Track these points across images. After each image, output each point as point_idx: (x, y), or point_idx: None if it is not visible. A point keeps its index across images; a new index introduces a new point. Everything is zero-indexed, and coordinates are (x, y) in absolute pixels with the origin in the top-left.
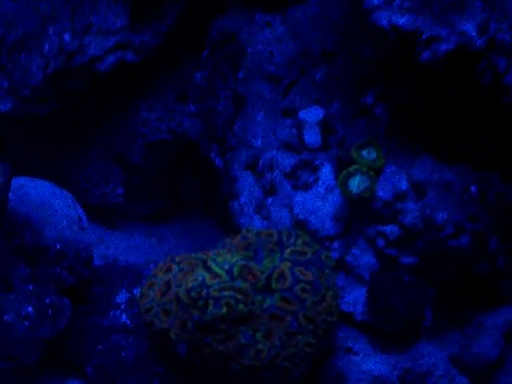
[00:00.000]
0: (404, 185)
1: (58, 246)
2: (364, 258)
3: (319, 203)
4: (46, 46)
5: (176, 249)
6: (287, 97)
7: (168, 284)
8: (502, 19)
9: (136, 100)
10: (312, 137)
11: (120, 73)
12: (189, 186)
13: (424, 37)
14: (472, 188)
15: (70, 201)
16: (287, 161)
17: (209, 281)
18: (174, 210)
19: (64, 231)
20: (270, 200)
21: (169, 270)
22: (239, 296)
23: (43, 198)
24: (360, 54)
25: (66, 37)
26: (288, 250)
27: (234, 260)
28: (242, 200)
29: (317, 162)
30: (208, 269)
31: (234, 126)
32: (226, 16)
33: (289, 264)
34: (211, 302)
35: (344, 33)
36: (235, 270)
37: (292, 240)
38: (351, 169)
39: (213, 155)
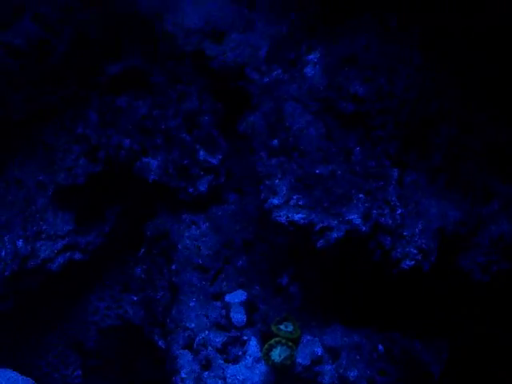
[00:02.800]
0: (319, 351)
1: None
2: None
3: (248, 373)
4: (3, 252)
5: None
6: (215, 283)
7: None
8: (383, 206)
9: (86, 292)
10: (238, 316)
11: (70, 270)
12: (142, 364)
13: (317, 228)
14: (379, 347)
15: None
16: (218, 339)
17: None
18: None
19: None
20: (206, 374)
21: None
22: None
23: None
24: (274, 241)
25: (19, 243)
26: None
27: None
28: (183, 375)
29: (244, 338)
30: None
31: (172, 311)
32: (157, 217)
33: None
34: None
35: (260, 224)
36: None
37: None
38: (272, 341)
39: (156, 338)
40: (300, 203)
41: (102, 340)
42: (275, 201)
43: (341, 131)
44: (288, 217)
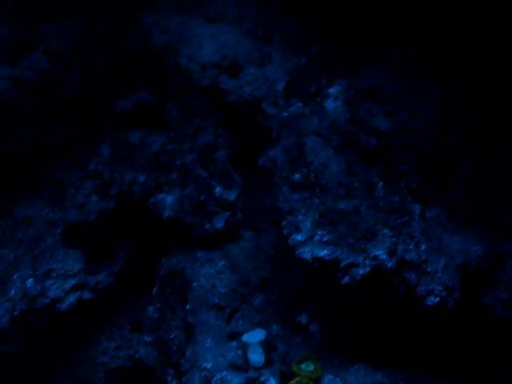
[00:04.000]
0: None
1: None
2: None
3: None
4: (12, 291)
5: None
6: (231, 322)
7: None
8: (408, 241)
9: (95, 332)
10: (256, 356)
11: (79, 309)
12: None
13: (343, 264)
14: None
15: None
16: (236, 380)
17: None
18: None
19: None
20: None
21: None
22: None
23: None
24: (292, 279)
25: (29, 282)
26: None
27: None
28: None
29: (262, 378)
30: None
31: (186, 352)
32: (171, 255)
33: None
34: None
35: (276, 262)
36: None
37: None
38: (293, 381)
39: (169, 379)
40: (325, 239)
41: (110, 382)
42: (299, 237)
43: (362, 166)
44: (313, 253)
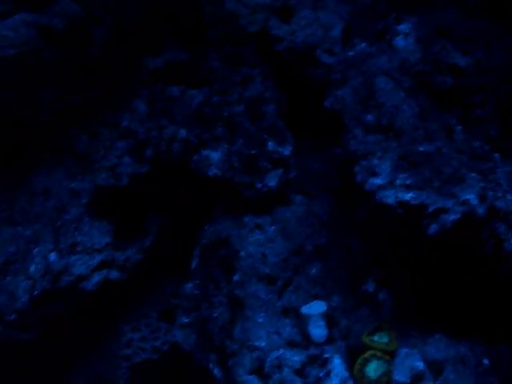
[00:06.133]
0: (420, 365)
1: None
2: None
3: None
4: (32, 268)
5: None
6: (284, 295)
7: None
8: (496, 188)
9: (118, 320)
10: (317, 330)
11: (104, 292)
12: None
13: (430, 210)
14: (484, 361)
15: None
16: (295, 358)
17: None
18: None
19: None
20: None
21: None
22: None
23: None
24: (351, 245)
25: (52, 256)
26: None
27: None
28: None
29: (326, 356)
30: None
31: (234, 330)
32: (214, 222)
33: None
34: None
35: (332, 228)
36: None
37: None
38: (367, 355)
39: (211, 365)
40: (407, 183)
41: (133, 379)
42: (378, 181)
43: (437, 108)
44: (397, 197)
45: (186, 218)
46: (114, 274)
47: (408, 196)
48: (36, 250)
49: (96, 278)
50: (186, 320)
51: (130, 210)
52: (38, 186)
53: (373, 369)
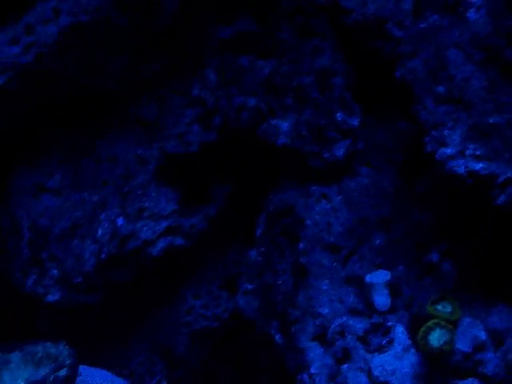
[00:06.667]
0: (483, 335)
1: None
2: None
3: (398, 363)
4: (99, 232)
5: None
6: (348, 264)
7: None
8: None
9: (180, 288)
10: (381, 299)
11: (168, 258)
12: (225, 378)
13: (500, 180)
14: None
15: None
16: (359, 325)
17: None
18: None
19: None
20: (345, 366)
21: None
22: None
23: None
24: (415, 216)
25: (119, 221)
26: None
27: None
28: (313, 370)
29: (389, 324)
30: None
31: (297, 297)
32: (280, 191)
33: None
34: None
35: (396, 199)
36: None
37: None
38: (430, 323)
39: (273, 332)
40: (477, 153)
41: (192, 345)
42: (448, 151)
43: (507, 82)
44: (467, 167)
45: (252, 187)
46: (179, 241)
47: (478, 166)
48: (103, 214)
49: (161, 243)
50: (249, 287)
51: (197, 178)
52: (104, 153)
53: (436, 337)
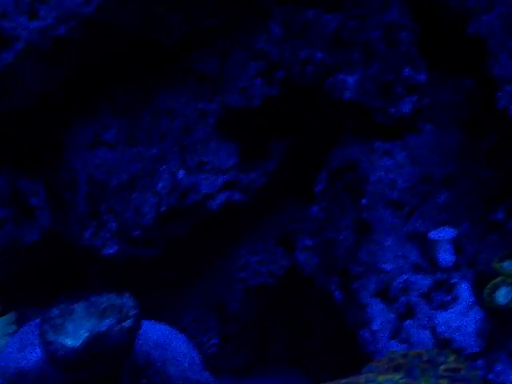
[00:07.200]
0: None
1: None
2: (508, 375)
3: (462, 320)
4: (159, 185)
5: None
6: (411, 221)
7: None
8: None
9: (235, 244)
10: (445, 255)
11: (225, 213)
12: (277, 335)
13: None
14: None
15: (186, 342)
16: (422, 282)
17: None
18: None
19: (187, 371)
20: (408, 323)
21: None
22: None
23: (161, 338)
24: (481, 174)
25: (180, 174)
26: (442, 367)
27: (396, 378)
28: (375, 327)
29: (453, 281)
30: None
31: (359, 253)
32: (343, 146)
33: (446, 381)
34: None
35: (460, 157)
36: None
37: (443, 358)
38: (497, 280)
39: (332, 288)
40: None
41: (246, 302)
42: None
43: None
44: None
45: (312, 143)
46: (237, 196)
47: None
48: (164, 167)
49: (220, 197)
50: (309, 243)
51: (257, 133)
52: (162, 107)
53: (502, 294)
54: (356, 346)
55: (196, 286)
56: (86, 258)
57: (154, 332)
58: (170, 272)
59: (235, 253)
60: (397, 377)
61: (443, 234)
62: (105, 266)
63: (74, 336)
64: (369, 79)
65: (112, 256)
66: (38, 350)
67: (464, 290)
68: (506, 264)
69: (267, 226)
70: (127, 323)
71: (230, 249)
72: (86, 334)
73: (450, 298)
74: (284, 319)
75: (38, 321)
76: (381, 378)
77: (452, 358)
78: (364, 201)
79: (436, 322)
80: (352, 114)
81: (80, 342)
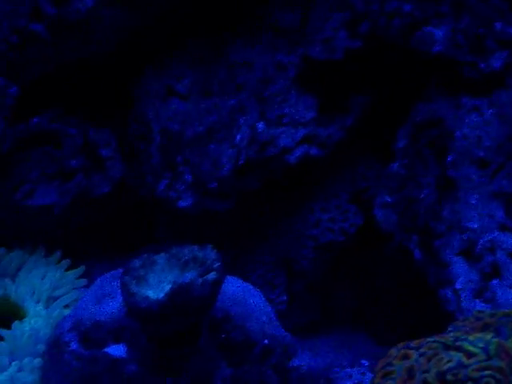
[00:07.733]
0: None
1: (266, 342)
2: None
3: None
4: (238, 137)
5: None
6: (495, 180)
7: (410, 371)
8: None
9: (308, 200)
10: None
11: (302, 167)
12: (344, 296)
13: None
14: None
15: (262, 297)
16: (510, 241)
17: (466, 361)
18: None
19: (265, 327)
20: (494, 282)
21: (406, 356)
22: (498, 376)
23: (238, 293)
24: None
25: (260, 126)
26: None
27: (488, 338)
28: (458, 286)
29: None
30: (458, 349)
31: (442, 211)
32: (427, 101)
33: None
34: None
35: None
36: (491, 348)
37: None
38: None
39: (412, 246)
40: None
41: (315, 259)
42: None
43: None
44: None
45: (392, 99)
46: (315, 150)
47: None
48: (242, 119)
49: (298, 151)
50: (388, 200)
51: (337, 87)
52: (237, 59)
53: None
54: (429, 308)
55: (265, 242)
56: (157, 212)
57: (230, 287)
58: (240, 227)
59: (307, 209)
60: (487, 336)
61: None
62: (176, 219)
63: (156, 288)
64: (459, 32)
65: (186, 209)
66: (113, 303)
67: None
68: None
69: (340, 183)
70: (211, 276)
71: (302, 205)
72: (169, 286)
73: None
74: (352, 279)
75: (114, 272)
76: (471, 337)
77: None
78: (449, 158)
79: None
80: (439, 69)
81: (163, 294)
